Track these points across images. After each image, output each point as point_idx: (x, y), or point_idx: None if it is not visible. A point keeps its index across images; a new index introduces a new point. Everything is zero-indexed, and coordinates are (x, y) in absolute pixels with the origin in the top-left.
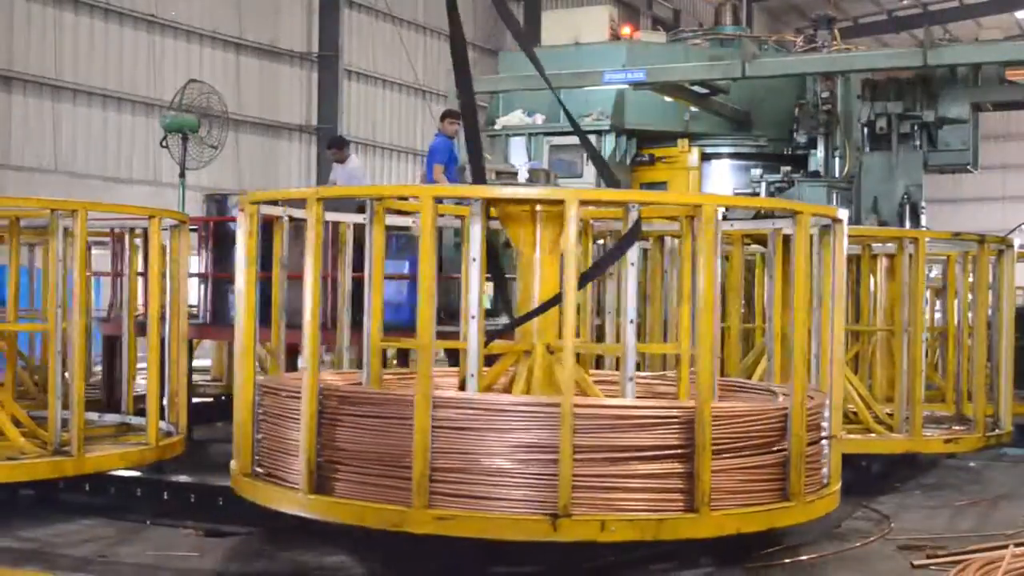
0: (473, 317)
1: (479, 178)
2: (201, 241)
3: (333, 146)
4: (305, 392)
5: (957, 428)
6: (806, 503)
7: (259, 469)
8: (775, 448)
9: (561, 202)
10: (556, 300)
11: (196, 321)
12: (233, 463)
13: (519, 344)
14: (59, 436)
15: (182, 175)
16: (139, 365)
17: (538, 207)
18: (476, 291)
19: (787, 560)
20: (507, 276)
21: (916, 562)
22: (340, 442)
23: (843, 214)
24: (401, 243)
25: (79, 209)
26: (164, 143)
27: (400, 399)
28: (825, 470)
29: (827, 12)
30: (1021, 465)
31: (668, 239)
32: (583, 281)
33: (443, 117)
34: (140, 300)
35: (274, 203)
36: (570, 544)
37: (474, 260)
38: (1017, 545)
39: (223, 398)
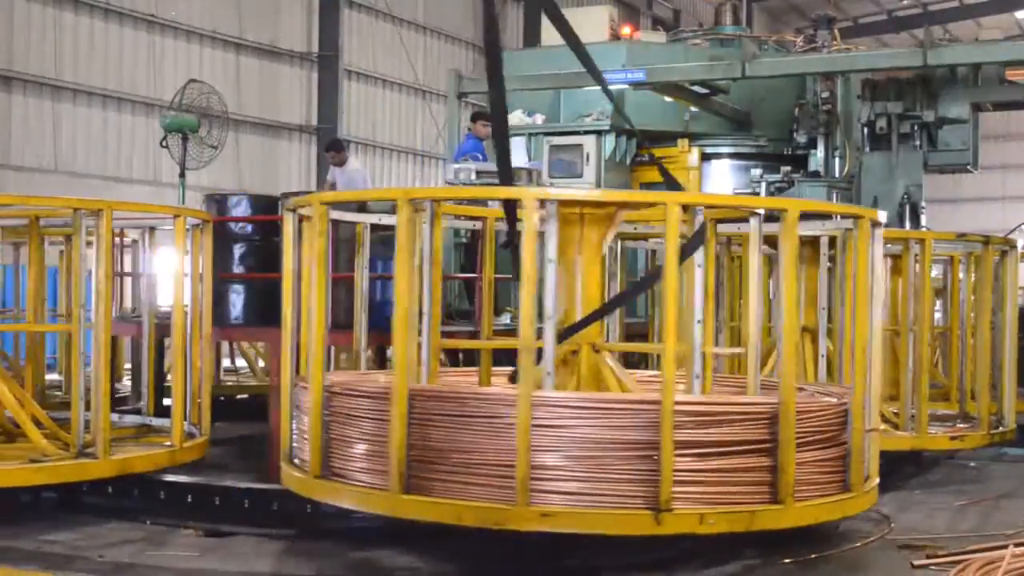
0: (550, 318)
1: (506, 179)
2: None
3: (331, 149)
4: (396, 393)
5: (962, 426)
6: (864, 493)
7: (330, 470)
8: (839, 441)
9: (608, 204)
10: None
11: None
12: (286, 465)
13: (566, 345)
14: (82, 437)
15: (182, 175)
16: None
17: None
18: (552, 293)
19: (787, 560)
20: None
21: (916, 562)
22: (432, 442)
23: (883, 216)
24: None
25: (104, 208)
26: (164, 143)
27: (499, 398)
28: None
29: (827, 12)
30: (1021, 465)
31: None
32: (641, 287)
33: (475, 119)
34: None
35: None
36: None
37: (551, 262)
38: (1017, 545)
39: (221, 398)
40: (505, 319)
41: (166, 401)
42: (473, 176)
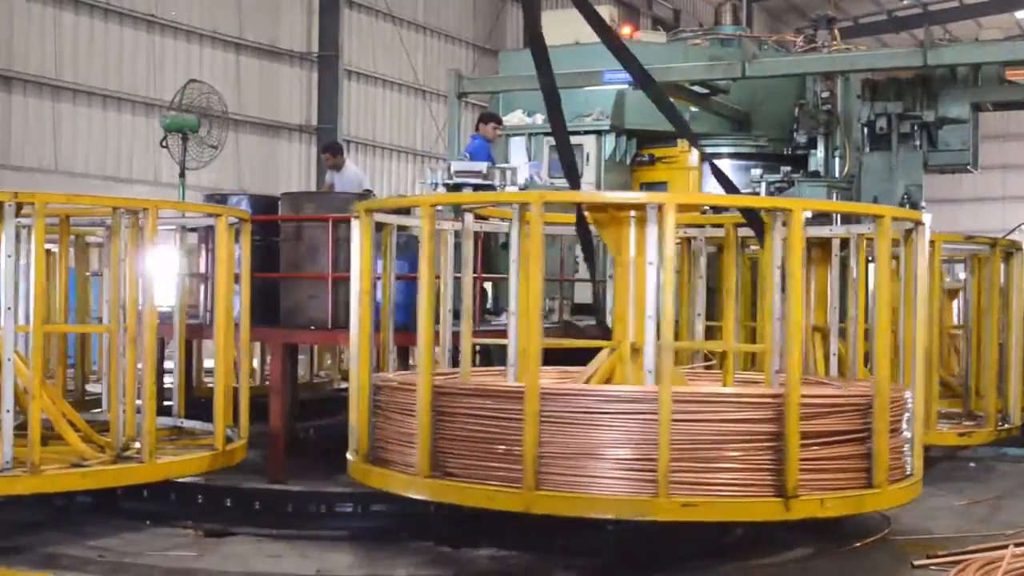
0: (650, 317)
1: (575, 182)
2: (201, 241)
3: (328, 150)
4: (528, 391)
5: (968, 423)
6: (914, 482)
7: (443, 470)
8: (904, 431)
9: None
10: None
11: (195, 321)
12: (352, 456)
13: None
14: (121, 440)
15: (182, 175)
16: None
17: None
18: (655, 293)
19: (787, 560)
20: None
21: (916, 562)
22: (560, 440)
23: (927, 218)
24: (400, 243)
25: (150, 208)
26: (164, 143)
27: (637, 396)
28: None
29: (827, 12)
30: (1021, 465)
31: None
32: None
33: (486, 120)
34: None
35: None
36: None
37: (651, 264)
38: (1017, 545)
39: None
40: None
41: (166, 402)
42: (446, 177)
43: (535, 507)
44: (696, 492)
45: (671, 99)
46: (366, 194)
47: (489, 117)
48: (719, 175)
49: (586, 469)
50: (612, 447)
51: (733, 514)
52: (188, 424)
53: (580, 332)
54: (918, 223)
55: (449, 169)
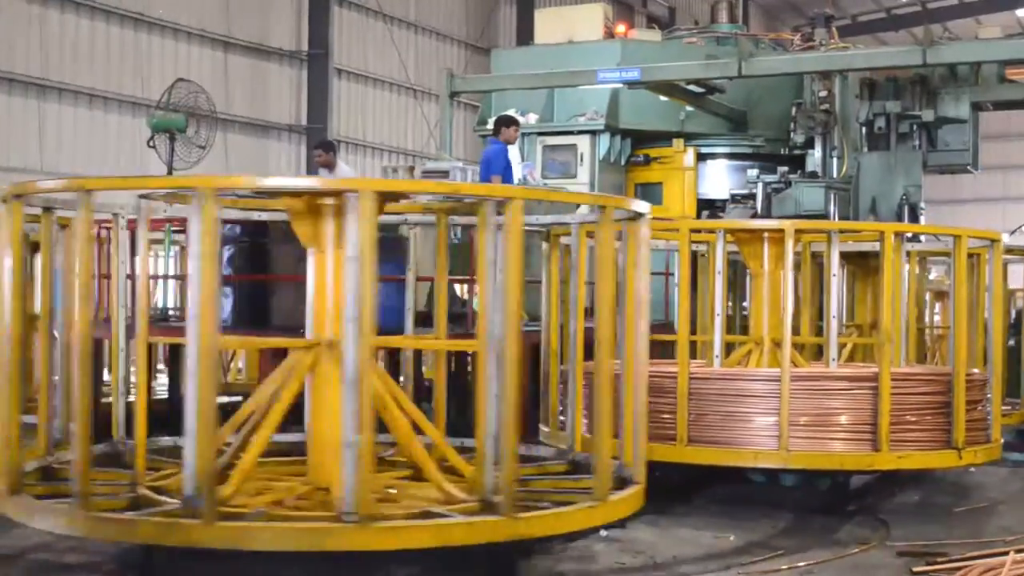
0: (834, 316)
1: None
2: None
3: (320, 147)
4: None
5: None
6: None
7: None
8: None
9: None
10: None
11: (172, 324)
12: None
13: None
14: (491, 483)
15: (169, 175)
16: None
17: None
18: (836, 298)
19: (784, 566)
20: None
21: (915, 568)
22: (814, 410)
23: (1006, 237)
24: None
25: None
26: (151, 143)
27: (860, 377)
28: None
29: (825, 10)
30: (1021, 470)
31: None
32: None
33: (506, 124)
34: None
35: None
36: None
37: (834, 276)
38: (1017, 551)
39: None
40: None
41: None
42: (409, 177)
43: (791, 463)
44: (900, 448)
45: (666, 98)
46: None
47: (509, 121)
48: None
49: (830, 431)
50: (847, 414)
51: (928, 463)
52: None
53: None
54: (994, 241)
55: (412, 170)
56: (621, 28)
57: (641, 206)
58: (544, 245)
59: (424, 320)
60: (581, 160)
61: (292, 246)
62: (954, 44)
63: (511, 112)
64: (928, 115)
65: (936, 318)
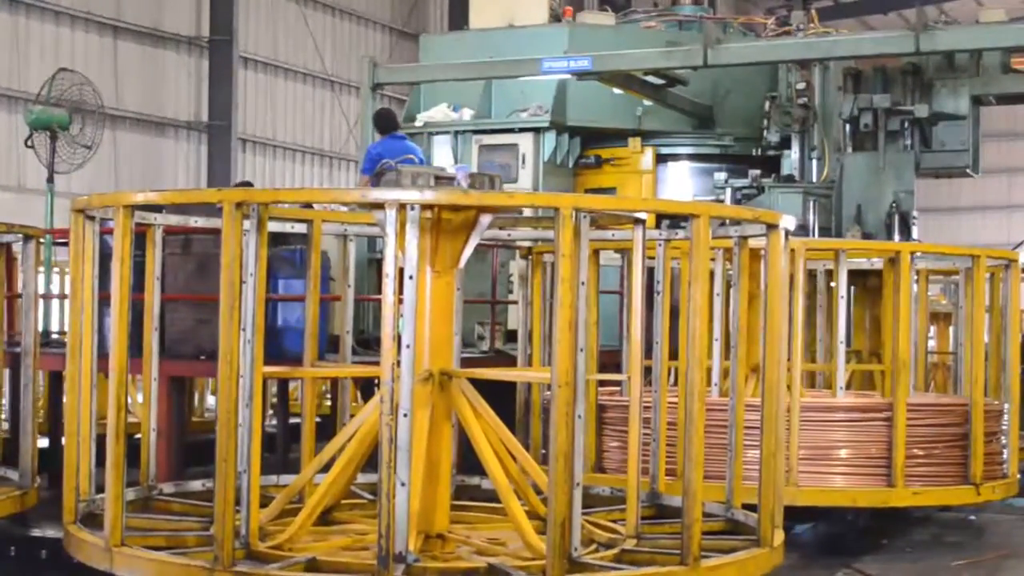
0: (842, 342)
1: None
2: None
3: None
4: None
5: None
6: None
7: None
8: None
9: None
10: None
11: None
12: None
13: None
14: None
15: (50, 180)
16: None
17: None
18: (844, 321)
19: None
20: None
21: None
22: (823, 443)
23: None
24: (303, 257)
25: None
26: (29, 142)
27: (873, 407)
28: None
29: None
30: None
31: None
32: None
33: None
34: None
35: None
36: None
37: (842, 298)
38: None
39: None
40: None
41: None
42: None
43: (797, 500)
44: (917, 483)
45: (621, 91)
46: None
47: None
48: None
49: (843, 467)
50: (861, 449)
51: (944, 499)
52: None
53: (513, 362)
54: (1012, 261)
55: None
56: (569, 9)
57: (787, 220)
58: (521, 263)
59: None
60: (523, 162)
61: (190, 260)
62: (951, 29)
63: (441, 106)
64: (922, 110)
65: (931, 343)
